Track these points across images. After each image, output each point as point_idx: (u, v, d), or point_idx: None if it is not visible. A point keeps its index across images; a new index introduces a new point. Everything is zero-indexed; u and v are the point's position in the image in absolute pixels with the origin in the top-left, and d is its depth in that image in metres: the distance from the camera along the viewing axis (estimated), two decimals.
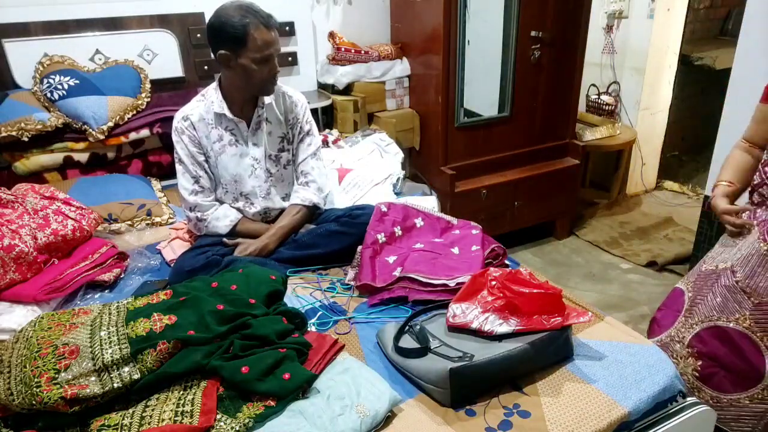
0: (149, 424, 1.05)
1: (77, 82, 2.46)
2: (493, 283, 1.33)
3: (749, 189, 1.57)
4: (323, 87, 3.45)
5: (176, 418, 1.05)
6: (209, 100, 1.81)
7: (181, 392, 1.13)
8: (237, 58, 1.68)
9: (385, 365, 1.28)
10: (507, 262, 1.69)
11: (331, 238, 1.76)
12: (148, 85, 2.65)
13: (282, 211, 1.93)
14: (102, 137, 2.40)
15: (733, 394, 1.40)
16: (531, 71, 3.31)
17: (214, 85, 1.82)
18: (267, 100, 1.84)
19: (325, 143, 2.90)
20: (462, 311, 1.33)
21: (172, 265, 1.79)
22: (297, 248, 1.79)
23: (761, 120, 1.64)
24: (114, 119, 2.44)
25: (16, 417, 1.11)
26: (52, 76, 2.45)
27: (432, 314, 1.39)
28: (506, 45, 3.30)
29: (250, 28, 1.64)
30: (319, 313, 1.48)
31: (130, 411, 1.09)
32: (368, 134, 3.17)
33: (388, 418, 1.12)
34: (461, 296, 1.35)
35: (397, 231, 1.74)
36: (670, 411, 1.19)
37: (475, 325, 1.27)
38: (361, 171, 2.48)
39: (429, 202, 2.44)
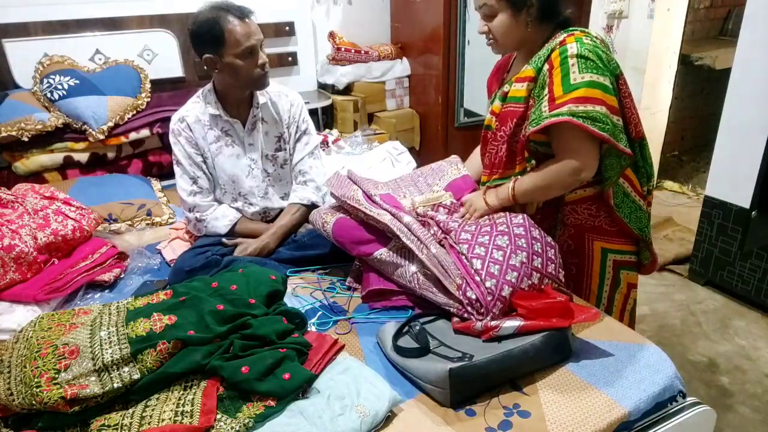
0: (149, 424, 1.05)
1: (77, 82, 2.46)
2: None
3: None
4: (323, 87, 3.45)
5: (176, 418, 1.05)
6: (204, 102, 1.81)
7: (181, 392, 1.13)
8: (221, 58, 1.68)
9: (385, 365, 1.28)
10: None
11: None
12: (148, 85, 2.65)
13: (281, 210, 1.93)
14: (102, 137, 2.41)
15: None
16: None
17: (209, 86, 1.82)
18: (262, 99, 1.84)
19: (325, 143, 2.90)
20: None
21: (172, 265, 1.79)
22: (297, 248, 1.79)
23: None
24: (114, 119, 2.44)
25: (16, 417, 1.11)
26: (52, 76, 2.45)
27: (432, 315, 1.39)
28: None
29: (225, 24, 1.63)
30: (319, 313, 1.48)
31: (130, 411, 1.09)
32: (368, 134, 3.17)
33: (388, 418, 1.11)
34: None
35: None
36: (670, 411, 1.19)
37: (479, 324, 1.27)
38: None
39: None
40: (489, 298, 1.28)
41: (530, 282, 1.32)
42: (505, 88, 1.51)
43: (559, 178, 1.42)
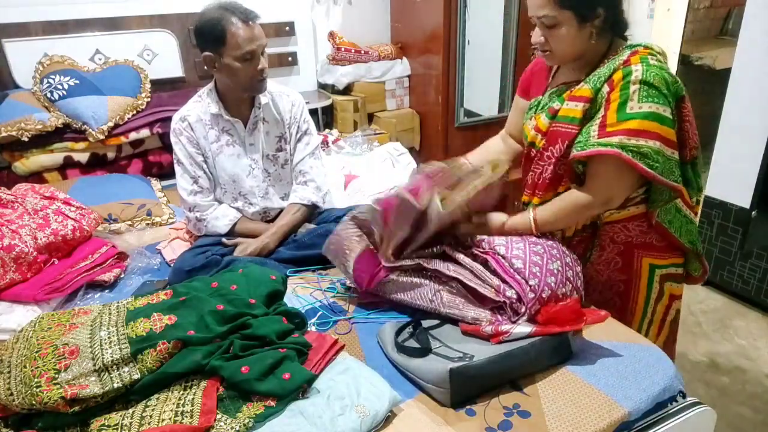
0: (149, 424, 1.05)
1: (77, 82, 2.46)
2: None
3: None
4: (323, 87, 3.45)
5: (176, 418, 1.05)
6: (206, 101, 1.81)
7: (181, 392, 1.13)
8: (220, 58, 1.68)
9: (385, 365, 1.28)
10: None
11: None
12: (148, 85, 2.65)
13: (281, 210, 1.93)
14: (102, 137, 2.41)
15: None
16: None
17: (210, 85, 1.83)
18: (263, 100, 1.84)
19: (325, 143, 2.90)
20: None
21: (172, 265, 1.79)
22: (297, 248, 1.78)
23: (515, 110, 1.66)
24: (114, 119, 2.44)
25: (16, 417, 1.11)
26: (52, 76, 2.45)
27: (435, 320, 1.37)
28: (506, 45, 3.31)
29: (228, 25, 1.63)
30: (319, 313, 1.48)
31: (130, 411, 1.09)
32: (368, 134, 3.17)
33: (388, 418, 1.11)
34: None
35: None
36: (670, 411, 1.19)
37: (489, 328, 1.26)
38: (367, 178, 2.47)
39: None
40: (531, 296, 1.26)
41: (564, 290, 1.31)
42: (555, 104, 1.41)
43: (586, 209, 1.38)
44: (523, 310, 1.27)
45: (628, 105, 1.26)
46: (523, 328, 1.24)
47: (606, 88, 1.30)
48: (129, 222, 2.11)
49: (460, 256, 1.37)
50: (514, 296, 1.28)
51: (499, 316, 1.29)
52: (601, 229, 1.48)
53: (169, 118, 1.86)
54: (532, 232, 1.44)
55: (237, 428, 1.05)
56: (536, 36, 1.37)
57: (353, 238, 1.50)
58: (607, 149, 1.26)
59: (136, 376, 1.12)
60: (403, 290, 1.41)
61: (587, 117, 1.34)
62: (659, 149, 1.26)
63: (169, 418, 1.05)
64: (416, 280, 1.39)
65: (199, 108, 1.81)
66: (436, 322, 1.36)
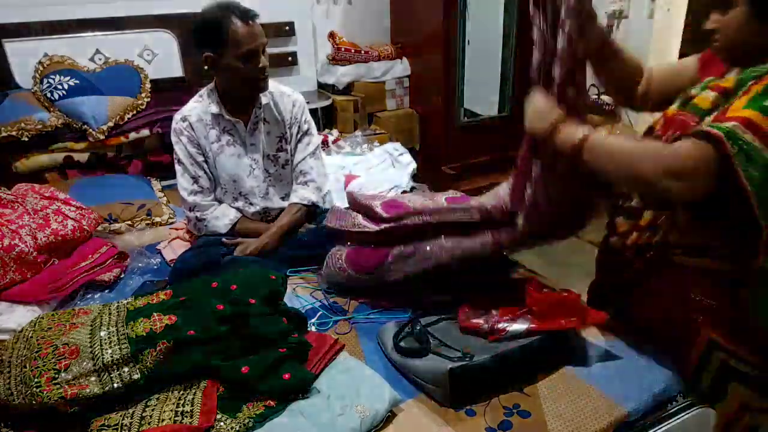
0: (149, 424, 1.05)
1: (77, 82, 2.46)
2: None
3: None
4: (323, 87, 3.45)
5: (176, 418, 1.05)
6: (206, 101, 1.81)
7: (181, 392, 1.13)
8: (221, 58, 1.67)
9: (385, 365, 1.28)
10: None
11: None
12: (148, 85, 2.65)
13: (281, 210, 1.93)
14: (102, 137, 2.41)
15: None
16: None
17: (211, 85, 1.82)
18: (264, 100, 1.84)
19: (325, 143, 2.90)
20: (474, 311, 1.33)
21: (172, 265, 1.79)
22: (297, 248, 1.79)
23: (675, 72, 1.33)
24: (114, 119, 2.44)
25: (16, 417, 1.11)
26: (52, 76, 2.45)
27: (435, 317, 1.38)
28: (506, 45, 3.31)
29: (228, 25, 1.63)
30: (319, 313, 1.48)
31: (130, 411, 1.09)
32: (368, 134, 3.17)
33: (388, 418, 1.12)
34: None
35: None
36: (670, 411, 1.19)
37: (486, 325, 1.26)
38: (367, 179, 2.48)
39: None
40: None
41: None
42: (693, 91, 1.17)
43: (649, 160, 1.03)
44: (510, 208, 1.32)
45: (766, 99, 0.99)
46: (520, 325, 1.24)
47: (750, 83, 1.04)
48: (129, 222, 2.11)
49: (440, 198, 1.46)
50: (490, 205, 1.36)
51: (498, 215, 1.33)
52: (667, 256, 1.20)
53: (169, 118, 1.86)
54: (573, 149, 1.11)
55: (237, 428, 1.06)
56: (710, 21, 1.13)
57: (338, 252, 1.58)
58: (711, 129, 0.98)
59: (136, 376, 1.12)
60: (405, 263, 1.44)
61: (715, 110, 1.09)
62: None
63: (169, 418, 1.05)
64: (417, 246, 1.43)
65: (200, 108, 1.81)
66: (434, 318, 1.36)
